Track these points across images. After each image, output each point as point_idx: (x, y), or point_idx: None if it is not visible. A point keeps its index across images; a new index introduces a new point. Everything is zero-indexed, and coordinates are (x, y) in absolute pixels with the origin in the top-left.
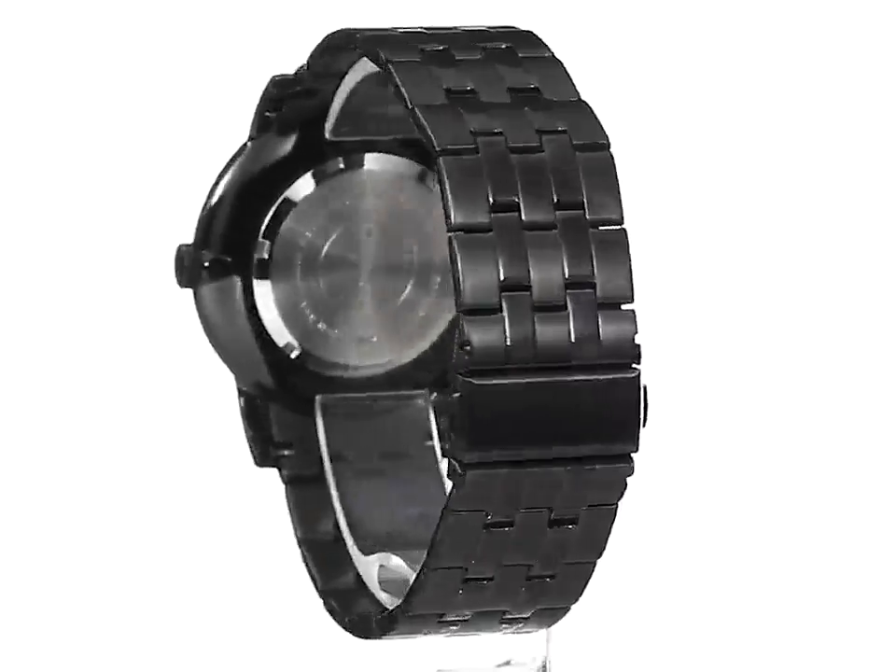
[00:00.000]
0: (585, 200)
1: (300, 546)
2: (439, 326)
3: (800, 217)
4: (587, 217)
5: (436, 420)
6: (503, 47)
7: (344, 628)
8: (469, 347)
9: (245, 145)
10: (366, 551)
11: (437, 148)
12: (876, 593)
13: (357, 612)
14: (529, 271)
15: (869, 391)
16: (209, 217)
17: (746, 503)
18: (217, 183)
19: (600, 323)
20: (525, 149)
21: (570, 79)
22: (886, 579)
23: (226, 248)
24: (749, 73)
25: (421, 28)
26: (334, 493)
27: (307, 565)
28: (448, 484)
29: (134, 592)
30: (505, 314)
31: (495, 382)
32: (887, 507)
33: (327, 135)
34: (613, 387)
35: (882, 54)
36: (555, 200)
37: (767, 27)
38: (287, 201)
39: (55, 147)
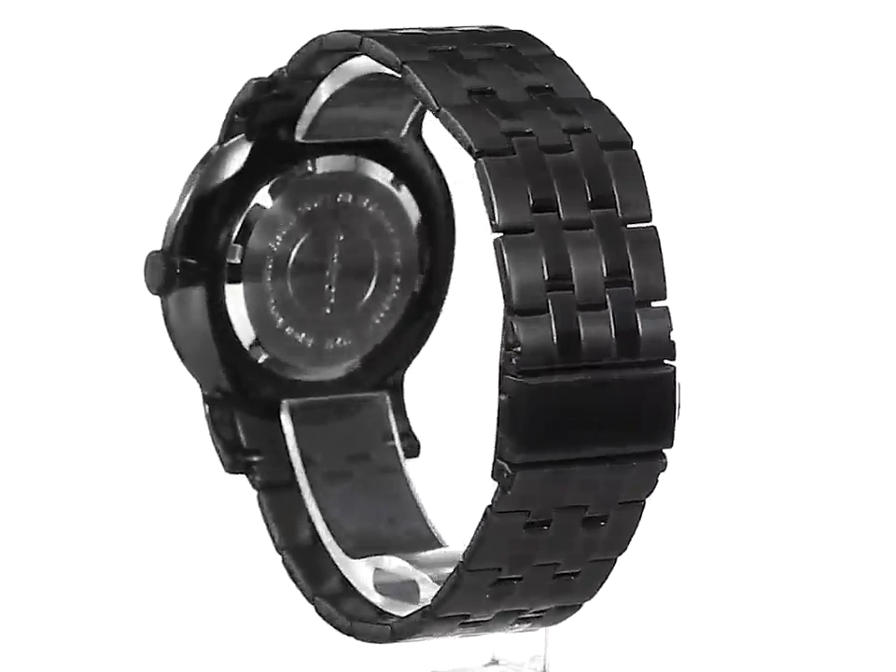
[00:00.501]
0: (617, 198)
1: (280, 553)
2: (389, 326)
3: (804, 212)
4: (619, 214)
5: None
6: (507, 46)
7: (344, 633)
8: (518, 348)
9: (214, 148)
10: (353, 554)
11: (475, 150)
12: (881, 589)
13: (348, 616)
14: (571, 270)
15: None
16: (180, 223)
17: (746, 503)
18: (186, 188)
19: (638, 320)
20: (556, 149)
21: (579, 78)
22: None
23: (197, 253)
24: (725, 66)
25: (418, 29)
26: (308, 497)
27: (291, 571)
28: (415, 485)
29: (128, 603)
30: (551, 313)
31: (544, 381)
32: None
33: (298, 138)
34: (653, 385)
35: (883, 50)
36: (589, 198)
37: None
38: (257, 205)
39: (25, 151)
